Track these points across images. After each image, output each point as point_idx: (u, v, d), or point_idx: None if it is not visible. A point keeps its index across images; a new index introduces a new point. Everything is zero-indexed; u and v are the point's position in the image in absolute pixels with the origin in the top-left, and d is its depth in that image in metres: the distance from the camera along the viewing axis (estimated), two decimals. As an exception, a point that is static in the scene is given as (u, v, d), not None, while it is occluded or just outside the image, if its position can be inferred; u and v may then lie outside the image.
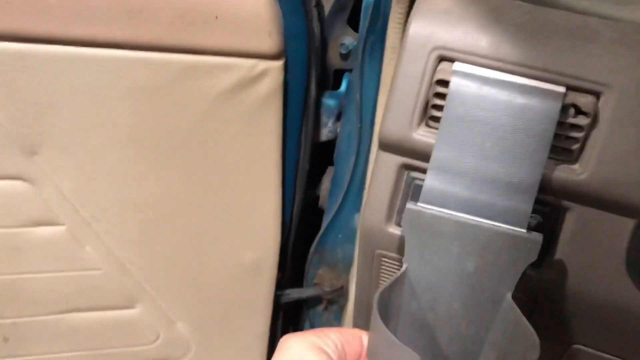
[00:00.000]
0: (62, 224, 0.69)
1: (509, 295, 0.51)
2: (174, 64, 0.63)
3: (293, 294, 0.90)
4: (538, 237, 0.50)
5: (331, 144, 0.86)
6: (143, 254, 0.73)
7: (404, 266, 0.53)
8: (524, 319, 0.49)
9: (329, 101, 0.82)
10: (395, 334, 0.51)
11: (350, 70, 0.84)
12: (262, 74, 0.65)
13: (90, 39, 0.60)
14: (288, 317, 1.00)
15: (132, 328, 0.78)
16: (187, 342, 0.82)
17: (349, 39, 0.82)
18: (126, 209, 0.70)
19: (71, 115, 0.64)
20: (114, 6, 0.59)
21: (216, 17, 0.61)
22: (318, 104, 0.80)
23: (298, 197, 0.81)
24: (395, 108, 0.55)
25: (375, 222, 0.61)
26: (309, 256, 0.92)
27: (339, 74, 0.86)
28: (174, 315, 0.79)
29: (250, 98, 0.66)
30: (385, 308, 0.50)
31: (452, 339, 0.54)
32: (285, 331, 0.98)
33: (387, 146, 0.57)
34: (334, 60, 0.85)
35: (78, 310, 0.75)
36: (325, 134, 0.85)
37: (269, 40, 0.64)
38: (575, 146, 0.52)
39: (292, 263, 0.93)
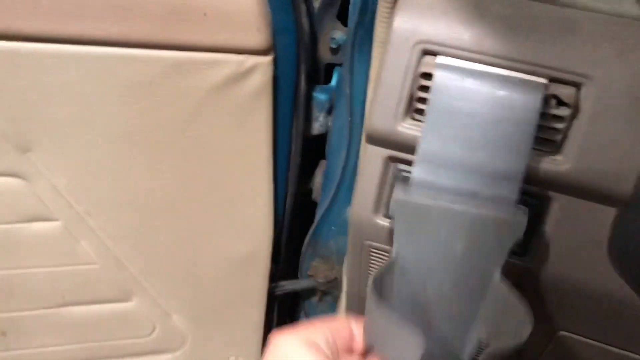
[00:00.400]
0: (57, 220, 0.70)
1: (497, 272, 0.53)
2: (163, 60, 0.64)
3: (287, 286, 0.91)
4: (523, 216, 0.52)
5: (323, 137, 0.87)
6: (138, 248, 0.74)
7: (394, 251, 0.54)
8: (513, 294, 0.51)
9: (320, 95, 0.83)
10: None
11: (340, 65, 0.85)
12: (252, 69, 0.66)
13: (81, 37, 0.61)
14: (283, 308, 1.01)
15: (128, 321, 0.79)
16: (182, 334, 0.83)
17: (339, 34, 0.83)
18: (120, 204, 0.71)
19: (63, 112, 0.64)
20: (104, 4, 0.60)
21: (205, 14, 0.62)
22: (309, 98, 0.81)
23: (290, 190, 0.82)
24: (381, 102, 0.56)
25: (363, 213, 0.62)
26: (303, 248, 0.93)
27: (329, 68, 0.87)
28: (170, 307, 0.80)
29: (240, 93, 0.67)
30: (379, 292, 0.52)
31: (445, 318, 0.56)
32: (280, 322, 0.99)
33: (373, 139, 0.58)
34: (325, 54, 0.86)
35: (74, 304, 0.77)
36: (316, 128, 0.86)
37: (258, 36, 0.65)
38: (558, 137, 0.53)
39: (287, 255, 0.95)
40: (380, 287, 0.52)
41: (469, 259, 0.53)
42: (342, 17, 0.82)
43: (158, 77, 0.65)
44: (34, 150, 0.66)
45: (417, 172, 0.54)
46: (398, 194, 0.53)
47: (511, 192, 0.53)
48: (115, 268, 0.75)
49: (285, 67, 0.72)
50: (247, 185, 0.73)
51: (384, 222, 0.62)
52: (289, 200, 0.83)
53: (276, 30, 0.68)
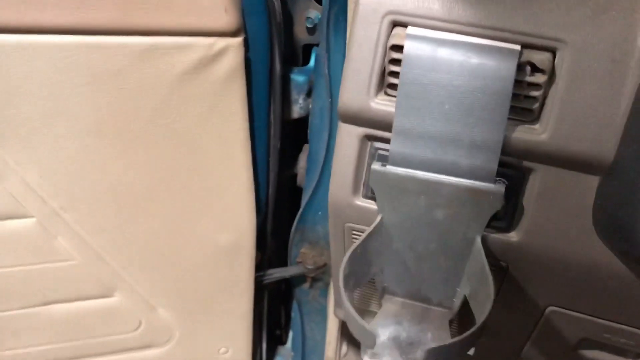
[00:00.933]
0: (32, 217, 0.69)
1: (478, 239, 0.54)
2: (130, 46, 0.62)
3: (276, 273, 0.90)
4: (500, 188, 0.51)
5: (305, 120, 0.85)
6: (117, 242, 0.73)
7: (378, 217, 0.56)
8: (486, 267, 0.51)
9: (297, 77, 0.81)
10: (382, 272, 0.60)
11: (318, 45, 0.82)
12: (222, 51, 0.64)
13: (42, 25, 0.59)
14: (274, 297, 1.00)
15: (113, 316, 0.78)
16: (170, 327, 0.81)
17: (315, 13, 0.81)
18: (95, 197, 0.69)
19: (30, 106, 0.63)
20: (63, -9, 0.58)
21: (169, -4, 0.60)
22: (286, 80, 0.79)
23: (272, 176, 0.80)
24: (352, 78, 0.54)
25: (342, 196, 0.60)
26: (291, 235, 0.92)
27: (308, 49, 0.85)
28: (155, 301, 0.78)
29: (212, 77, 0.65)
30: (360, 263, 0.56)
31: (434, 271, 0.58)
32: (271, 311, 0.98)
33: (347, 117, 0.56)
34: (301, 35, 0.84)
35: (56, 302, 0.75)
36: (296, 111, 0.84)
37: (226, 17, 0.62)
38: (535, 105, 0.51)
39: (274, 243, 0.93)
40: (362, 255, 0.56)
41: (450, 225, 0.55)
42: (318, -4, 0.79)
43: (125, 65, 0.63)
44: (2, 146, 0.64)
45: (393, 145, 0.53)
46: (376, 165, 0.54)
47: (489, 162, 0.51)
48: (95, 263, 0.73)
49: (257, 49, 0.70)
50: (225, 173, 0.71)
51: (363, 204, 0.60)
52: (271, 187, 0.81)
53: (246, 12, 0.66)
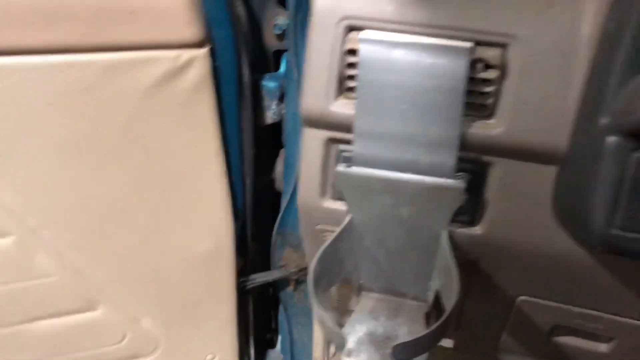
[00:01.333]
0: (10, 235, 0.70)
1: (444, 234, 0.55)
2: (96, 63, 0.63)
3: (259, 278, 0.91)
4: (460, 183, 0.53)
5: (280, 125, 0.86)
6: (96, 256, 0.73)
7: (347, 217, 0.58)
8: (451, 261, 0.53)
9: (269, 83, 0.82)
10: (357, 270, 0.61)
11: (287, 50, 0.83)
12: (188, 63, 0.65)
13: (7, 48, 0.60)
14: (262, 301, 1.01)
15: (97, 330, 0.79)
16: (155, 337, 0.82)
17: (282, 19, 0.82)
18: (72, 213, 0.70)
19: (1, 126, 0.63)
20: (26, 12, 0.59)
21: (131, 12, 0.61)
22: (258, 87, 0.80)
23: (248, 181, 0.81)
24: (312, 83, 0.55)
25: (310, 198, 0.61)
26: (272, 239, 0.93)
27: (279, 55, 0.86)
28: (138, 312, 0.79)
29: (180, 88, 0.66)
30: (332, 262, 0.57)
31: (405, 266, 0.60)
32: (257, 316, 0.99)
33: (310, 122, 0.58)
34: (271, 41, 0.85)
35: (39, 318, 0.76)
36: (270, 117, 0.84)
37: (190, 29, 0.63)
38: (489, 101, 0.52)
39: (258, 248, 0.94)
40: (334, 253, 0.57)
41: (416, 221, 0.56)
42: (285, 3, 0.80)
43: (93, 81, 0.63)
44: (-25, 168, 0.65)
45: (356, 147, 0.55)
46: (340, 167, 0.55)
47: (448, 159, 0.52)
48: (75, 278, 0.74)
49: (225, 58, 0.71)
50: (199, 182, 0.72)
51: (332, 205, 0.61)
52: (248, 192, 0.82)
53: (211, 22, 0.67)
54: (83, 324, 0.78)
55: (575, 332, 0.65)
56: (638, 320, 0.61)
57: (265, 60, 0.85)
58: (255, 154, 0.82)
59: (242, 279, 0.88)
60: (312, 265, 0.54)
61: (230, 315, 0.83)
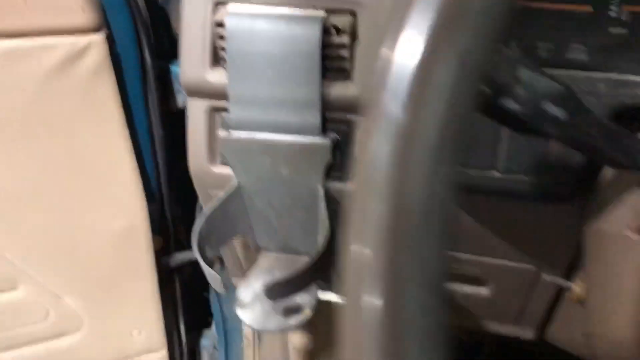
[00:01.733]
0: None
1: (320, 190, 0.61)
2: (-7, 50, 0.67)
3: (181, 256, 0.95)
4: (325, 140, 0.58)
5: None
6: (12, 236, 0.77)
7: (234, 181, 0.63)
8: (323, 213, 0.59)
9: (177, 68, 0.86)
10: (252, 230, 0.67)
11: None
12: (85, 48, 0.69)
13: None
14: (188, 279, 1.05)
15: (20, 309, 0.82)
16: (78, 314, 0.86)
17: (187, 8, 0.86)
18: (-16, 196, 0.74)
19: None
20: None
21: (25, 0, 0.65)
22: (165, 71, 0.85)
23: (161, 163, 0.85)
24: (188, 54, 0.61)
25: (200, 165, 0.66)
26: (196, 219, 0.97)
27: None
28: (59, 290, 0.83)
29: (79, 73, 0.70)
30: (221, 223, 0.63)
31: (294, 224, 0.65)
32: (187, 293, 1.02)
33: (191, 92, 0.63)
34: (178, 27, 0.89)
35: (-41, 301, 0.79)
36: (181, 101, 0.89)
37: (84, 15, 0.68)
38: (346, 64, 0.57)
39: (181, 228, 0.98)
40: (224, 213, 0.62)
41: (295, 179, 0.61)
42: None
43: (-9, 69, 0.67)
44: None
45: (232, 113, 0.60)
46: (221, 132, 0.61)
47: (313, 119, 0.58)
48: (-7, 259, 0.78)
49: (125, 43, 0.75)
50: (107, 161, 0.77)
51: (221, 170, 0.66)
52: (162, 174, 0.86)
53: (107, 9, 0.71)
54: (5, 304, 0.81)
55: (454, 277, 0.70)
56: (508, 260, 0.67)
57: (174, 46, 0.90)
58: (172, 137, 0.86)
59: (164, 257, 0.92)
60: (198, 227, 0.59)
61: (151, 292, 0.87)
